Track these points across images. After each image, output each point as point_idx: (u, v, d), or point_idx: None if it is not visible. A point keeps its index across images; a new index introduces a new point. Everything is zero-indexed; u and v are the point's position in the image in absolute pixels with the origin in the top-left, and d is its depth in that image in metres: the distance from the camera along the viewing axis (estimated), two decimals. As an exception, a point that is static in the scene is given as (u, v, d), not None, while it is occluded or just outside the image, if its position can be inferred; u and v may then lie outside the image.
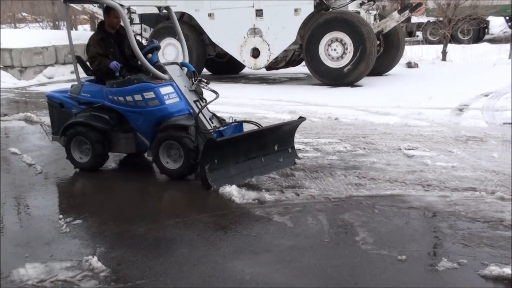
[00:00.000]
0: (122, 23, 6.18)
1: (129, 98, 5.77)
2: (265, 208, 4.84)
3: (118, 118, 6.03)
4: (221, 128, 5.83)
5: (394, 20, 13.12)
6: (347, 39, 12.26)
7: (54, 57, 16.29)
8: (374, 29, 12.66)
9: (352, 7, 13.16)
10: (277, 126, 6.12)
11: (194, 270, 3.71)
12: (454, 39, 19.30)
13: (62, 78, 15.57)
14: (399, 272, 3.58)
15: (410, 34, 22.15)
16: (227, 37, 13.31)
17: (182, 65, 6.24)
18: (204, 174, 5.24)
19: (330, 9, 12.83)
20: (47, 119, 7.90)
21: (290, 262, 3.78)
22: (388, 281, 3.47)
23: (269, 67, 13.95)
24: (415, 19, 22.91)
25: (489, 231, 4.14)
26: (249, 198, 5.04)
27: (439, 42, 18.30)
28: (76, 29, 24.84)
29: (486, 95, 10.14)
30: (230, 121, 6.09)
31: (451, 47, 16.97)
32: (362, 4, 13.50)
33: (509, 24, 19.25)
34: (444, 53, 16.29)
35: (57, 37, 16.86)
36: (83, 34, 19.99)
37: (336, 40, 12.42)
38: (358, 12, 13.10)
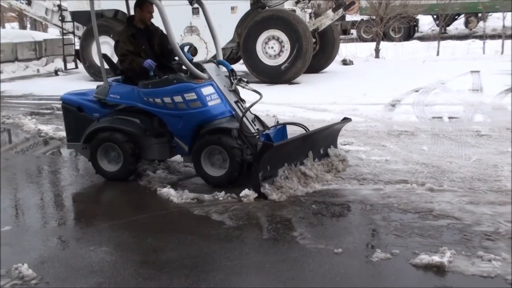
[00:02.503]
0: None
1: (167, 100, 5.27)
2: (204, 207, 4.83)
3: (150, 122, 5.54)
4: (269, 131, 5.42)
5: (328, 18, 13.39)
6: (283, 37, 12.41)
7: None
8: (309, 27, 12.87)
9: (288, 5, 13.34)
10: (325, 128, 5.70)
11: (131, 272, 3.65)
12: (387, 37, 19.93)
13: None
14: (336, 264, 3.67)
15: (345, 32, 22.70)
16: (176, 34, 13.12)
17: (218, 63, 5.80)
18: (258, 182, 4.87)
19: (267, 7, 12.94)
20: None
21: (230, 260, 3.78)
22: (325, 273, 3.54)
23: (207, 66, 13.84)
24: (349, 18, 23.47)
25: (419, 222, 4.31)
26: (187, 197, 5.01)
27: (372, 40, 18.84)
28: (4, 27, 23.79)
29: (417, 91, 10.54)
30: (275, 123, 5.73)
31: (383, 44, 17.52)
32: (297, 2, 13.71)
33: (437, 22, 20.07)
34: (377, 50, 16.79)
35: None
36: (10, 32, 19.22)
37: (273, 38, 12.54)
38: (294, 10, 13.28)
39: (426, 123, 7.87)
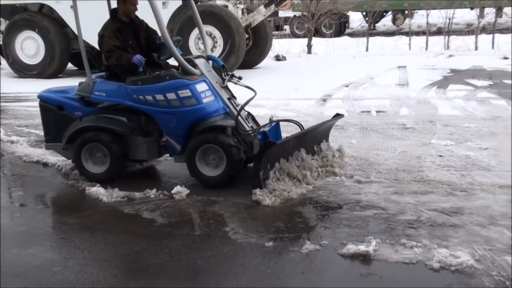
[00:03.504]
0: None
1: (159, 97, 5.02)
2: (135, 205, 4.76)
3: (138, 120, 5.30)
4: (266, 128, 5.19)
5: (261, 14, 13.50)
6: (216, 33, 12.40)
7: None
8: (242, 23, 12.93)
9: (220, 1, 13.33)
10: (319, 125, 5.60)
11: (57, 275, 3.54)
12: (318, 33, 20.32)
13: None
14: (266, 257, 3.71)
15: (278, 28, 22.93)
16: (94, 30, 12.74)
17: (208, 58, 5.59)
18: (259, 181, 4.72)
19: (199, 3, 12.85)
20: None
21: (160, 258, 3.75)
22: (256, 267, 3.58)
23: (139, 61, 13.62)
24: (282, 14, 23.73)
25: (347, 213, 4.44)
26: (117, 196, 4.92)
27: (304, 36, 19.14)
28: None
29: (347, 86, 10.83)
30: (271, 120, 5.50)
31: (315, 40, 17.86)
32: (230, -2, 13.72)
33: (366, 19, 20.66)
34: (309, 46, 17.09)
35: None
36: None
37: (206, 33, 12.46)
38: (226, 6, 13.29)
39: (355, 117, 8.10)
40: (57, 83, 12.46)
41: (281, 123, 5.65)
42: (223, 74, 5.42)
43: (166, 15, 12.44)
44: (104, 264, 3.69)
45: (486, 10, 19.49)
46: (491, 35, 16.25)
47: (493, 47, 15.84)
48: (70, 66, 14.44)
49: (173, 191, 4.96)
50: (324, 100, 9.57)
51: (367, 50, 16.91)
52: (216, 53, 12.38)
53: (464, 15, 21.52)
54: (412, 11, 21.48)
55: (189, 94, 5.00)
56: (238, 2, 13.94)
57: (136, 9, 5.46)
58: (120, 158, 5.27)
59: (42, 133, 7.60)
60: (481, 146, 6.20)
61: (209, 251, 3.84)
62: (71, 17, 12.68)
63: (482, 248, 3.68)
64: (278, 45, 17.05)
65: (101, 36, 5.25)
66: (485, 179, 5.10)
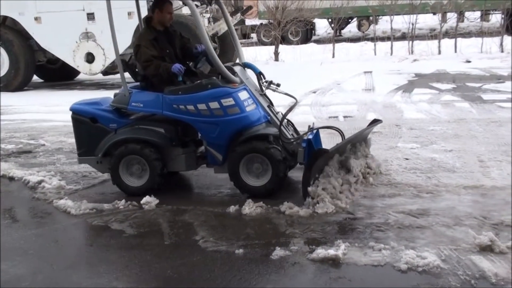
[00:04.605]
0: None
1: (201, 106, 4.88)
2: (103, 217, 4.71)
3: (175, 131, 5.19)
4: (309, 136, 4.95)
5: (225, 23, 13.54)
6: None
7: None
8: (209, 32, 12.94)
9: (186, 10, 13.31)
10: (363, 131, 5.49)
11: (25, 290, 3.48)
12: (285, 40, 20.46)
13: None
14: (236, 264, 3.72)
15: (245, 36, 23.01)
16: (58, 42, 12.65)
17: (244, 65, 5.48)
18: (308, 191, 4.62)
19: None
20: None
21: (130, 269, 3.72)
22: (225, 274, 3.58)
23: (106, 72, 13.49)
24: (248, 22, 23.84)
25: (316, 217, 4.46)
26: (86, 208, 4.87)
27: (271, 44, 19.27)
28: None
29: (314, 92, 10.93)
30: (310, 127, 5.29)
31: (282, 47, 17.98)
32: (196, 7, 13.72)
33: (332, 25, 20.92)
34: (276, 53, 17.19)
35: None
36: None
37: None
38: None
39: (322, 123, 8.17)
40: (23, 96, 12.28)
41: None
42: (259, 81, 5.34)
43: (132, 25, 12.37)
44: (73, 277, 3.64)
45: (449, 15, 19.98)
46: (453, 39, 16.64)
47: (455, 51, 16.21)
48: (35, 78, 14.23)
49: (142, 202, 4.93)
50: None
51: (333, 56, 17.10)
52: (184, 62, 12.39)
53: (427, 20, 22.00)
54: (377, 17, 21.84)
55: (232, 102, 4.88)
56: (204, 11, 13.95)
57: (172, 17, 5.39)
58: (160, 170, 5.13)
59: (7, 146, 7.51)
60: (446, 148, 6.34)
61: (179, 260, 3.83)
62: (35, 29, 12.60)
63: (448, 248, 3.76)
64: (246, 53, 17.07)
65: (138, 46, 5.13)
66: (450, 180, 5.22)
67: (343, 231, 4.20)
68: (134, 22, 12.30)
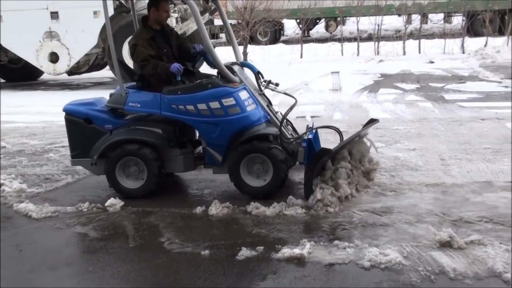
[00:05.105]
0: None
1: (201, 106, 4.80)
2: (66, 220, 4.64)
3: (173, 131, 5.10)
4: (309, 136, 4.87)
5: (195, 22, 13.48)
6: (150, 42, 12.29)
7: None
8: (177, 32, 12.86)
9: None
10: (359, 132, 5.32)
11: (-16, 296, 3.40)
12: (254, 41, 20.49)
13: None
14: (202, 265, 3.71)
15: (214, 36, 22.94)
16: (20, 41, 12.40)
17: (242, 65, 5.39)
18: (311, 190, 4.59)
19: (130, 13, 12.70)
20: None
21: (93, 272, 3.67)
22: (190, 275, 3.58)
23: (71, 72, 13.34)
24: (217, 22, 23.78)
25: (282, 217, 4.49)
26: (48, 211, 4.79)
27: (240, 44, 19.26)
28: None
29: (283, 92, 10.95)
30: (307, 127, 5.38)
31: (251, 48, 17.98)
32: (163, 7, 13.62)
33: (300, 26, 21.04)
34: (245, 53, 17.18)
35: None
36: None
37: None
38: (160, 15, 13.18)
39: (295, 123, 8.19)
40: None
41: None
42: (258, 81, 5.28)
43: (98, 24, 12.22)
44: (35, 282, 3.57)
45: (413, 16, 20.33)
46: (417, 41, 16.95)
47: (419, 52, 16.51)
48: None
49: (106, 204, 4.88)
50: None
51: (301, 56, 17.22)
52: (151, 62, 12.30)
53: (393, 22, 22.33)
54: (344, 18, 22.08)
55: (233, 102, 4.82)
56: (172, 11, 13.86)
57: (169, 16, 5.34)
58: (158, 171, 5.04)
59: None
60: (409, 147, 6.45)
61: (143, 262, 3.80)
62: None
63: (410, 245, 3.83)
64: (214, 53, 17.04)
65: (134, 45, 5.02)
66: (413, 178, 5.32)
67: (309, 230, 4.23)
68: (101, 21, 12.20)
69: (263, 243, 4.01)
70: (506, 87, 10.37)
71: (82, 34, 12.23)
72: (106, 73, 14.49)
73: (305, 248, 3.81)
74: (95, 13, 12.19)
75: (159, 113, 4.98)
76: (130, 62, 12.34)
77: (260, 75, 5.30)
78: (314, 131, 5.03)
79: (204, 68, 5.50)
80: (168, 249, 3.99)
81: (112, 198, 4.92)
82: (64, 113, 5.31)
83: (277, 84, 5.35)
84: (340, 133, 5.48)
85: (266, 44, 20.34)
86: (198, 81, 4.94)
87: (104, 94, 11.17)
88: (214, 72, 5.19)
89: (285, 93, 5.44)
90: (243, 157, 4.89)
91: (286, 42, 21.58)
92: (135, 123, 5.13)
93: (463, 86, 10.79)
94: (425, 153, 6.17)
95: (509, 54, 14.41)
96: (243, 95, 4.94)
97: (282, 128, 4.99)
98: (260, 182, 4.94)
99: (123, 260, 3.86)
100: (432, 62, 14.75)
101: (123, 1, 12.48)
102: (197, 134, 5.53)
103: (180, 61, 5.15)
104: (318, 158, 4.61)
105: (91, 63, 13.34)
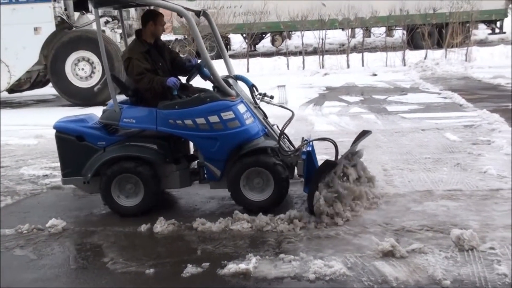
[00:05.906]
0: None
1: (200, 121, 4.69)
2: (5, 242, 4.46)
3: (169, 147, 4.95)
4: (308, 148, 4.87)
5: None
6: (94, 58, 12.13)
7: None
8: (121, 48, 12.71)
9: (95, 26, 13.03)
10: (357, 143, 5.35)
11: None
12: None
13: None
14: (146, 285, 3.66)
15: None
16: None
17: (236, 78, 5.29)
18: (312, 201, 4.51)
19: (74, 28, 12.50)
20: None
21: (32, 297, 3.55)
22: (135, 296, 3.51)
23: (12, 90, 12.97)
24: (164, 37, 23.68)
25: (228, 232, 4.48)
26: (-15, 235, 4.59)
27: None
28: None
29: (229, 107, 10.98)
30: (302, 140, 5.29)
31: (198, 63, 18.00)
32: (107, 22, 13.47)
33: (246, 40, 21.23)
34: (192, 69, 17.19)
35: None
36: None
37: (83, 59, 12.19)
38: (104, 31, 13.01)
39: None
40: None
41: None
42: (253, 94, 5.25)
43: (39, 41, 11.96)
44: (-32, 310, 3.42)
45: (356, 30, 20.90)
46: (361, 54, 17.41)
47: (363, 65, 16.97)
48: None
49: (47, 225, 4.73)
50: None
51: (248, 71, 17.34)
52: (95, 79, 12.14)
53: (336, 36, 22.89)
54: (289, 32, 22.45)
55: (233, 116, 4.74)
56: (116, 26, 13.71)
57: (164, 30, 5.25)
58: (155, 188, 4.92)
59: None
60: (353, 159, 6.57)
61: (85, 284, 3.70)
62: None
63: (354, 256, 3.89)
64: (161, 68, 16.94)
65: (129, 58, 4.90)
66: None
67: (255, 245, 4.23)
68: (42, 37, 11.95)
69: (209, 259, 3.98)
70: (445, 98, 10.78)
71: (23, 51, 11.92)
72: (48, 90, 14.13)
73: (250, 263, 3.81)
74: (36, 29, 11.94)
75: (155, 129, 4.88)
76: (72, 78, 12.18)
77: (254, 88, 5.30)
78: (311, 143, 5.05)
79: (196, 81, 5.42)
80: (112, 269, 3.90)
81: (53, 219, 4.77)
82: (54, 131, 5.16)
83: (272, 97, 5.34)
84: (335, 145, 5.45)
85: (213, 59, 20.27)
86: (196, 95, 4.88)
87: (47, 112, 10.91)
88: (208, 85, 5.18)
89: (280, 106, 5.46)
90: (244, 170, 4.83)
91: (233, 56, 21.65)
92: (129, 140, 5.02)
93: (405, 98, 11.15)
94: (369, 164, 6.26)
95: (447, 66, 15.03)
96: (241, 108, 4.89)
97: (280, 141, 4.97)
98: (260, 196, 4.88)
99: (64, 282, 3.74)
100: (375, 75, 15.18)
101: (64, 17, 12.26)
102: (192, 149, 5.49)
103: (174, 75, 5.11)
104: (323, 171, 4.60)
105: (33, 80, 13.00)
